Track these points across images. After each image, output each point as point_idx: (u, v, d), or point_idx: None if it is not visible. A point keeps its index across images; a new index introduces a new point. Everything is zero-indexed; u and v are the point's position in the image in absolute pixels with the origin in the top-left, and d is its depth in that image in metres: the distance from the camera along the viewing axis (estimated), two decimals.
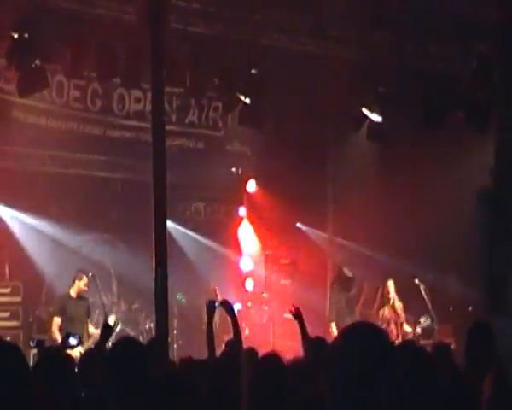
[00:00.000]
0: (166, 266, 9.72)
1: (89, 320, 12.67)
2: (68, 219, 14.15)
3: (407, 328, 13.03)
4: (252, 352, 6.84)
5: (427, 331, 13.07)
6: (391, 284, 13.15)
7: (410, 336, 12.68)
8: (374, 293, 14.71)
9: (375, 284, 14.83)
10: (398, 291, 13.15)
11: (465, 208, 14.40)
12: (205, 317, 7.79)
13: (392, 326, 12.97)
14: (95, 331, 12.45)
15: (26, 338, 13.16)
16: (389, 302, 13.05)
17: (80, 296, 12.62)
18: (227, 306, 7.62)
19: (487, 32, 13.00)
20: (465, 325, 13.40)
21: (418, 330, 12.92)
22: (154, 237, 9.84)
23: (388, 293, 13.09)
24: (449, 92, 14.06)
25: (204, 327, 7.59)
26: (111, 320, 12.72)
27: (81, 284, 12.61)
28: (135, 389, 3.75)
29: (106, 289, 14.25)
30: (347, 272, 13.84)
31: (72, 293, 12.62)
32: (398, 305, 13.08)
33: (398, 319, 13.03)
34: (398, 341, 12.34)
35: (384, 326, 12.85)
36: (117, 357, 3.95)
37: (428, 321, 12.97)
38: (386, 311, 13.05)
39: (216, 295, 14.10)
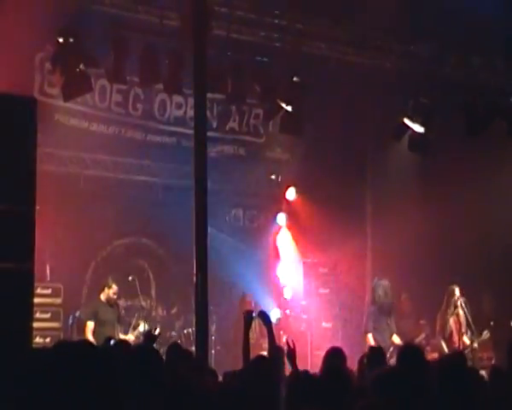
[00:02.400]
0: (207, 272, 9.73)
1: (119, 327, 12.72)
2: (108, 223, 14.25)
3: (466, 340, 12.75)
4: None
5: (484, 345, 12.85)
6: (456, 289, 12.79)
7: (467, 350, 12.50)
8: (412, 304, 14.61)
9: (413, 295, 14.73)
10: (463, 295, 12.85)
11: (508, 221, 14.26)
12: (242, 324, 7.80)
13: (455, 335, 12.74)
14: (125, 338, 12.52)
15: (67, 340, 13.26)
16: (456, 308, 12.78)
17: (110, 304, 12.68)
18: (264, 317, 7.67)
19: None
20: (506, 339, 13.29)
21: (475, 344, 12.71)
22: (194, 243, 9.85)
23: (456, 298, 12.72)
24: (491, 103, 13.92)
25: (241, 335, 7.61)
26: (143, 326, 12.78)
27: (110, 292, 12.66)
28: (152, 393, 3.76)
29: (145, 293, 14.34)
30: (380, 283, 13.65)
31: (103, 298, 12.70)
32: (462, 313, 12.74)
33: (460, 328, 12.78)
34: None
35: (447, 335, 12.69)
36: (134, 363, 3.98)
37: (488, 335, 12.74)
38: (451, 320, 12.78)
39: (251, 304, 14.11)
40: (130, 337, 12.62)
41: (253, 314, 7.82)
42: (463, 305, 12.77)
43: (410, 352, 5.65)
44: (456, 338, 12.70)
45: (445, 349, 12.49)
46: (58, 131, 13.40)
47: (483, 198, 14.53)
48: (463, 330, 12.75)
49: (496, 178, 14.51)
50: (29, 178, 7.73)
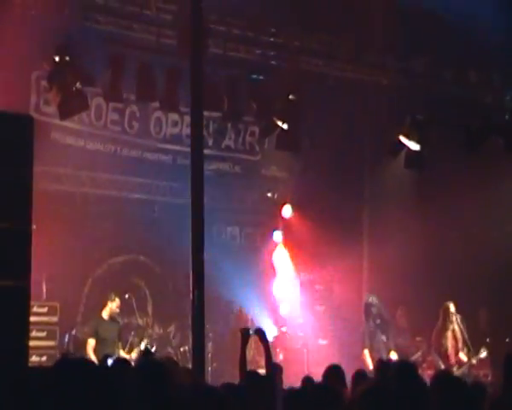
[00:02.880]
0: (203, 289, 9.71)
1: (120, 344, 12.70)
2: (105, 240, 14.24)
3: (463, 357, 12.76)
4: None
5: (484, 363, 12.83)
6: (451, 305, 12.77)
7: (465, 366, 12.49)
8: (409, 320, 14.60)
9: (410, 311, 14.72)
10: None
11: (505, 237, 14.28)
12: (239, 341, 7.79)
13: (451, 352, 12.74)
14: (125, 356, 12.47)
15: None
16: (451, 324, 12.75)
17: (112, 319, 12.66)
18: (261, 334, 7.65)
19: None
20: (503, 356, 13.26)
21: (474, 361, 12.69)
22: (190, 260, 9.83)
23: (451, 315, 12.71)
24: (488, 120, 13.96)
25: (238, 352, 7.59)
26: (142, 345, 12.76)
27: (113, 305, 12.67)
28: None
29: (141, 310, 14.30)
30: (372, 299, 13.67)
31: (105, 315, 12.68)
32: (458, 330, 12.73)
33: (456, 344, 12.78)
34: (454, 368, 12.21)
35: (443, 352, 12.68)
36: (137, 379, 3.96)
37: (485, 353, 12.72)
38: (447, 337, 12.76)
39: (248, 321, 14.09)
40: (133, 356, 12.59)
41: (250, 331, 7.80)
42: (459, 321, 12.77)
43: (404, 368, 5.64)
44: (452, 355, 12.69)
45: (441, 366, 12.46)
46: (54, 150, 13.39)
47: (480, 214, 14.57)
48: (460, 346, 12.74)
49: (493, 193, 14.54)
50: (25, 196, 7.73)
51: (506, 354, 6.72)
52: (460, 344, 12.73)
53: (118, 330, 12.74)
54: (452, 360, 12.63)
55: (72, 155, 13.80)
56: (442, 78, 13.60)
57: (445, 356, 12.74)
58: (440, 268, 14.78)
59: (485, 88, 13.77)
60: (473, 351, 12.78)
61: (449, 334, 12.79)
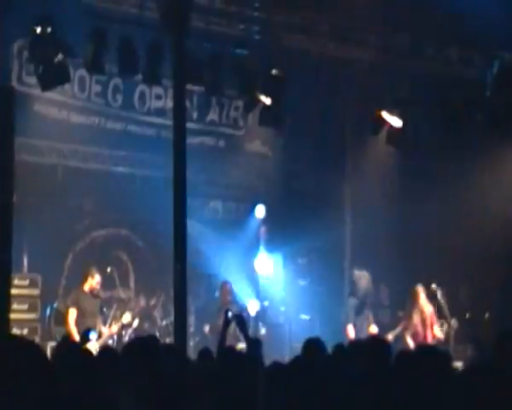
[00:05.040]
0: (186, 263, 9.74)
1: (100, 318, 12.71)
2: (87, 213, 14.23)
3: (438, 333, 12.95)
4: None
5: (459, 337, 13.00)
6: (420, 288, 13.08)
7: (441, 341, 12.65)
8: (391, 296, 14.72)
9: (392, 286, 14.84)
10: (428, 295, 13.11)
11: (486, 214, 14.36)
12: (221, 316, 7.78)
13: (420, 329, 12.91)
14: (105, 330, 12.50)
15: (44, 331, 13.26)
16: (418, 306, 13.00)
17: (93, 294, 12.65)
18: (239, 321, 7.51)
19: (509, 38, 12.97)
20: (481, 331, 13.44)
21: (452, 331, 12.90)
22: (173, 234, 9.85)
23: (418, 297, 13.03)
24: (470, 98, 13.98)
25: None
26: (126, 318, 12.78)
27: (93, 282, 12.63)
28: (149, 388, 3.76)
29: (123, 284, 14.33)
30: (357, 275, 13.76)
31: (86, 288, 12.67)
32: (428, 309, 13.00)
33: (426, 321, 12.95)
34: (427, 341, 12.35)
35: (412, 330, 12.85)
36: (132, 356, 3.96)
37: (455, 324, 12.91)
38: (415, 315, 12.99)
39: (230, 294, 14.14)
40: (114, 329, 12.61)
41: (229, 314, 7.72)
42: (440, 297, 12.91)
43: (375, 346, 5.68)
44: (421, 334, 12.85)
45: (411, 345, 12.53)
46: (36, 121, 13.33)
47: (462, 190, 14.63)
48: (431, 322, 12.94)
49: (475, 169, 14.61)
50: (6, 168, 7.71)
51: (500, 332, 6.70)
52: (433, 321, 12.92)
53: (99, 305, 12.72)
54: (421, 338, 12.78)
55: (54, 127, 13.73)
56: (424, 55, 13.60)
57: (415, 336, 12.92)
58: (422, 244, 14.87)
59: (467, 65, 13.77)
60: (453, 327, 12.94)
61: (416, 316, 12.98)
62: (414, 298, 13.10)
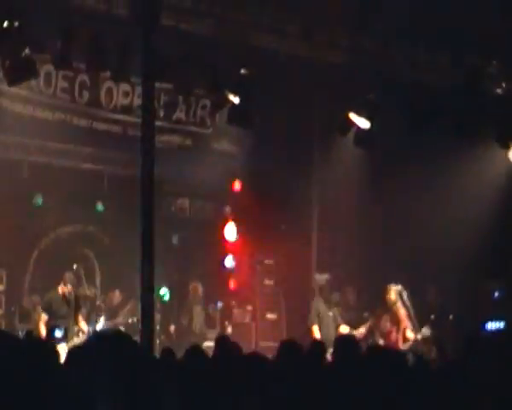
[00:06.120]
0: (153, 260, 9.71)
1: (80, 316, 12.63)
2: (53, 210, 14.12)
3: (409, 334, 13.00)
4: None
5: (427, 340, 13.09)
6: (394, 288, 13.12)
7: (411, 343, 12.73)
8: (358, 297, 14.79)
9: (360, 288, 14.90)
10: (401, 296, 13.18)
11: (454, 216, 14.50)
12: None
13: (392, 330, 12.99)
14: (85, 327, 12.46)
15: (9, 328, 13.13)
16: (391, 307, 13.06)
17: (66, 299, 12.56)
18: None
19: (476, 42, 13.11)
20: (446, 332, 13.56)
21: (419, 336, 12.95)
22: (140, 232, 9.82)
23: (390, 298, 13.08)
24: (436, 101, 14.10)
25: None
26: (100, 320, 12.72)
27: (65, 290, 12.56)
28: (126, 385, 3.72)
29: (89, 282, 14.24)
30: (323, 277, 13.86)
31: (60, 292, 12.59)
32: (402, 311, 13.04)
33: (399, 324, 13.02)
34: (399, 346, 12.45)
35: (382, 330, 12.96)
36: (107, 352, 3.91)
37: (429, 330, 12.99)
38: (387, 315, 13.07)
39: (199, 292, 14.16)
40: (82, 326, 12.55)
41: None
42: (405, 299, 13.01)
43: (343, 343, 5.73)
44: (393, 334, 12.94)
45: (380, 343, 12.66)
46: (2, 116, 13.23)
47: (428, 193, 14.76)
48: (404, 325, 12.98)
49: (441, 174, 14.74)
50: None
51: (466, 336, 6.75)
52: (405, 323, 12.99)
53: (73, 306, 12.62)
54: (393, 339, 12.87)
55: (20, 123, 13.61)
56: (392, 57, 13.69)
57: (387, 336, 13.01)
58: (389, 246, 14.96)
59: (434, 70, 13.88)
60: (418, 328, 13.04)
61: (387, 317, 13.09)
62: (387, 298, 13.11)
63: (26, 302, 13.31)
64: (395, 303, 13.04)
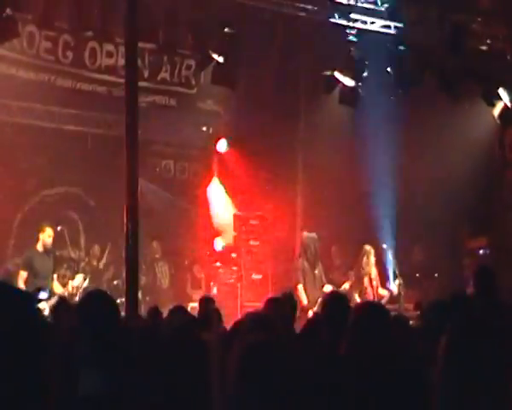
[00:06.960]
0: (138, 222, 9.69)
1: (54, 276, 12.58)
2: (37, 172, 14.03)
3: (382, 292, 13.40)
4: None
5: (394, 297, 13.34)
6: (368, 248, 13.48)
7: (385, 300, 12.94)
8: (342, 256, 14.87)
9: (344, 248, 14.96)
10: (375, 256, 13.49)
11: (440, 174, 14.53)
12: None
13: (368, 289, 13.31)
14: (59, 288, 12.40)
15: None
16: (366, 267, 13.32)
17: (47, 251, 12.45)
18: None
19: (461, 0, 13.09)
20: (430, 290, 13.66)
21: (393, 289, 13.22)
22: (125, 193, 9.78)
23: (365, 257, 13.39)
24: (421, 59, 14.05)
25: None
26: (78, 279, 12.69)
27: (45, 236, 12.38)
28: (108, 344, 3.73)
29: (74, 243, 14.21)
30: (306, 235, 13.90)
31: (39, 247, 12.47)
32: (373, 271, 13.45)
33: (371, 282, 13.36)
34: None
35: (360, 288, 13.18)
36: (90, 311, 3.91)
37: (398, 282, 13.28)
38: (364, 275, 13.38)
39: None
40: (69, 289, 12.51)
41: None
42: (390, 258, 13.16)
43: (334, 299, 5.75)
44: (369, 291, 13.18)
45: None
46: None
47: (415, 151, 14.77)
48: (377, 283, 13.38)
49: (427, 131, 14.74)
50: None
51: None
52: (377, 281, 13.28)
53: (52, 262, 12.55)
54: (370, 295, 13.14)
55: (3, 84, 13.46)
56: (377, 12, 13.62)
57: (364, 293, 13.26)
58: (375, 205, 14.98)
59: (419, 27, 13.81)
60: (403, 286, 13.23)
61: (363, 275, 13.40)
62: (361, 257, 13.47)
63: (11, 265, 13.26)
64: (369, 263, 13.40)
